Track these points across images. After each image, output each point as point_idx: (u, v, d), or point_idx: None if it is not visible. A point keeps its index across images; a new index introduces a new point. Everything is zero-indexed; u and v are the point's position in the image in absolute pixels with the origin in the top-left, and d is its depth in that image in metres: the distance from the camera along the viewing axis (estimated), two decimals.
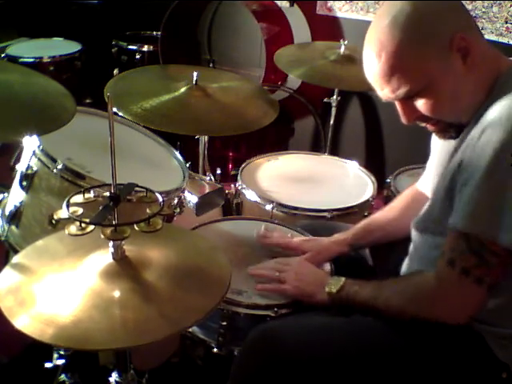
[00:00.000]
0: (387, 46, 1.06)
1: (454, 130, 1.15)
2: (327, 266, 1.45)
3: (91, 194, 0.99)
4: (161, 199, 1.00)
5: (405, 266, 1.32)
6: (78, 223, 0.94)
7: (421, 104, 1.11)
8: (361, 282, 1.26)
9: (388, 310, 1.18)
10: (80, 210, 0.95)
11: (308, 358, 1.15)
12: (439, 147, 1.34)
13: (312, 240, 1.52)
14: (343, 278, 1.28)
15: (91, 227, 0.94)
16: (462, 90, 1.09)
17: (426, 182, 1.45)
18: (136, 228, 0.96)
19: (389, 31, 1.06)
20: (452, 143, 1.18)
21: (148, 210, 0.98)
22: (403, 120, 1.16)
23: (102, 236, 0.95)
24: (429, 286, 1.13)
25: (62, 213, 0.95)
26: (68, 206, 0.95)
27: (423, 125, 1.17)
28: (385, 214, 1.54)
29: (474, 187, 1.02)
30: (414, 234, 1.29)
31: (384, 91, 1.13)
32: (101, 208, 0.95)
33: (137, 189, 1.03)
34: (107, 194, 0.96)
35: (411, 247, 1.31)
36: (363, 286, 1.24)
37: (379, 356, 1.16)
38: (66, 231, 0.95)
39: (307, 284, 1.33)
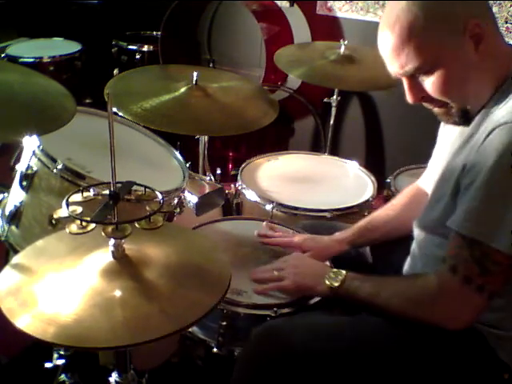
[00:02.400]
0: (403, 20, 1.07)
1: (458, 115, 1.14)
2: (326, 264, 1.45)
3: (90, 193, 0.99)
4: (160, 196, 1.01)
5: (407, 265, 1.32)
6: (78, 222, 0.94)
7: (428, 83, 1.11)
8: (362, 276, 1.25)
9: (388, 309, 1.17)
10: (79, 209, 0.95)
11: (312, 355, 1.15)
12: (443, 145, 1.34)
13: (313, 238, 1.52)
14: (344, 272, 1.26)
15: (92, 226, 0.94)
16: (471, 77, 1.09)
17: (428, 179, 1.45)
18: (137, 225, 0.96)
19: (407, 6, 1.07)
20: (457, 142, 1.18)
21: (148, 208, 0.98)
22: (409, 99, 1.16)
23: (103, 234, 0.95)
24: (430, 290, 1.12)
25: (62, 212, 0.95)
26: (68, 205, 0.95)
27: (428, 106, 1.17)
28: (386, 211, 1.54)
29: (477, 190, 1.02)
30: (417, 232, 1.29)
31: (393, 66, 1.13)
32: (101, 206, 0.95)
33: (135, 187, 1.03)
34: (106, 192, 0.96)
35: (414, 245, 1.31)
36: (364, 282, 1.23)
37: (382, 354, 1.16)
38: (67, 230, 0.95)
39: (306, 276, 1.33)
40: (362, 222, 1.52)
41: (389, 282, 1.23)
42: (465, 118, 1.15)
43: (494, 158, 1.00)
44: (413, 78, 1.12)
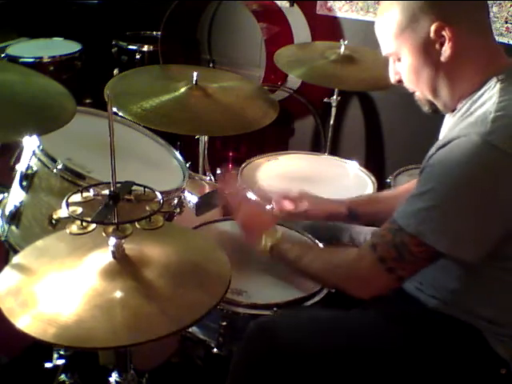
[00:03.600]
0: (388, 9, 1.17)
1: (425, 104, 1.23)
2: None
3: (90, 193, 0.99)
4: (160, 196, 1.01)
5: None
6: (78, 222, 0.94)
7: (398, 68, 1.22)
8: (293, 240, 1.38)
9: (308, 271, 1.28)
10: (79, 209, 0.95)
11: (306, 350, 1.17)
12: None
13: (310, 194, 1.60)
14: (280, 232, 1.34)
15: (92, 226, 0.94)
16: (434, 74, 1.15)
17: None
18: (137, 226, 0.96)
19: None
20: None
21: (147, 208, 0.98)
22: (390, 78, 1.27)
23: (104, 234, 0.95)
24: (349, 259, 1.20)
25: (62, 212, 0.95)
26: (68, 206, 0.95)
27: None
28: (387, 192, 1.65)
29: (423, 191, 1.08)
30: None
31: (380, 44, 1.22)
32: (101, 206, 0.95)
33: (135, 187, 1.03)
34: (106, 192, 0.96)
35: None
36: (294, 245, 1.33)
37: (378, 351, 1.17)
38: (68, 230, 0.95)
39: (250, 224, 1.42)
40: (363, 195, 1.62)
41: (315, 247, 1.36)
42: (432, 109, 1.23)
43: (443, 167, 1.06)
44: (393, 60, 1.23)
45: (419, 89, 1.21)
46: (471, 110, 1.11)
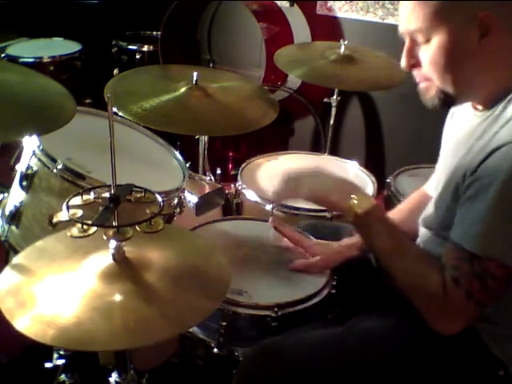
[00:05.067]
0: None
1: (437, 95, 1.13)
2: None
3: (90, 196, 0.99)
4: (160, 199, 1.00)
5: None
6: (79, 225, 0.94)
7: (423, 51, 1.11)
8: (389, 223, 1.20)
9: (395, 276, 1.15)
10: (79, 212, 0.95)
11: (309, 370, 1.15)
12: (445, 145, 1.33)
13: (321, 243, 1.51)
14: (372, 201, 1.20)
15: (93, 229, 0.94)
16: (465, 65, 1.09)
17: (433, 182, 1.45)
18: (138, 229, 0.96)
19: None
20: (462, 143, 1.17)
21: (147, 210, 0.98)
22: (402, 62, 1.15)
23: (105, 237, 0.95)
24: (439, 293, 1.09)
25: (62, 215, 0.95)
26: (68, 209, 0.95)
27: (416, 77, 1.16)
28: (392, 216, 1.50)
29: (486, 207, 1.01)
30: (421, 229, 1.29)
31: (403, 20, 1.12)
32: (101, 209, 0.95)
33: (135, 189, 1.03)
34: (106, 195, 0.96)
35: (418, 241, 1.31)
36: (388, 233, 1.17)
37: (377, 357, 1.16)
38: (68, 234, 0.94)
39: (334, 187, 1.25)
40: None
41: (410, 250, 1.18)
42: (443, 101, 1.14)
43: (504, 176, 0.99)
44: (413, 41, 1.12)
45: (442, 76, 1.10)
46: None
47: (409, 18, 1.10)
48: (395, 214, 1.52)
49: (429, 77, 1.13)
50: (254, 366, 1.18)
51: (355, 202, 1.19)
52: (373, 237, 1.19)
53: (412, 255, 1.17)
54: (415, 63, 1.14)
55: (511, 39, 1.09)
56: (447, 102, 1.14)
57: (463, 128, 1.21)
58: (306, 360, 1.16)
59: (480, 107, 1.16)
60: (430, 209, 1.26)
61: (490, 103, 1.12)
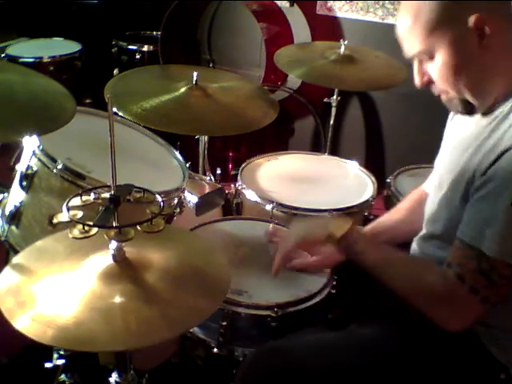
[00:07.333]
0: (416, 3, 1.09)
1: (461, 105, 1.15)
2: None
3: (90, 196, 0.99)
4: (160, 199, 1.00)
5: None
6: (80, 226, 0.94)
7: (430, 68, 1.13)
8: (371, 239, 1.25)
9: (393, 286, 1.16)
10: (80, 213, 0.95)
11: (310, 373, 1.14)
12: (448, 144, 1.32)
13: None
14: (349, 223, 1.25)
15: (94, 229, 0.94)
16: (472, 70, 1.10)
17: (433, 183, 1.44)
18: (138, 228, 0.96)
19: None
20: (467, 143, 1.16)
21: (148, 211, 0.98)
22: (416, 81, 1.17)
23: (106, 237, 0.95)
24: (440, 291, 1.11)
25: (63, 216, 0.95)
26: (68, 209, 0.95)
27: (435, 92, 1.17)
28: (391, 216, 1.53)
29: (502, 209, 1.01)
30: (423, 231, 1.30)
31: (404, 45, 1.15)
32: (102, 210, 0.95)
33: (135, 189, 1.02)
34: (106, 195, 0.96)
35: (413, 243, 1.32)
36: (373, 247, 1.23)
37: (377, 362, 1.16)
38: (70, 235, 0.94)
39: (303, 228, 1.34)
40: (368, 227, 1.51)
41: (397, 256, 1.21)
42: (467, 110, 1.15)
43: None
44: (420, 61, 1.14)
45: (455, 88, 1.12)
46: None
47: (408, 43, 1.13)
48: (394, 213, 1.52)
49: (444, 90, 1.14)
50: (254, 367, 1.19)
51: (332, 228, 1.24)
52: (358, 256, 1.22)
53: (401, 262, 1.20)
54: (428, 80, 1.15)
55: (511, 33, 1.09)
56: (471, 109, 1.15)
57: (469, 128, 1.20)
58: (306, 362, 1.16)
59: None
60: (432, 209, 1.26)
61: (497, 103, 1.12)
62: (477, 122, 1.17)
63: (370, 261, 1.20)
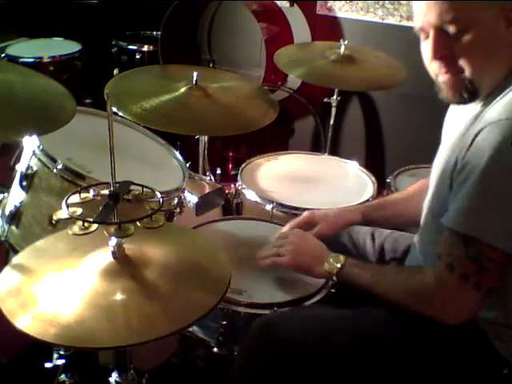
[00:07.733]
0: None
1: (467, 91, 1.13)
2: (325, 247, 1.45)
3: (89, 194, 0.99)
4: (158, 195, 1.01)
5: (408, 260, 1.35)
6: (80, 223, 0.94)
7: (458, 42, 1.09)
8: (361, 264, 1.28)
9: (387, 299, 1.19)
10: (79, 210, 0.95)
11: (310, 349, 1.15)
12: (444, 141, 1.32)
13: (322, 211, 1.53)
14: (342, 258, 1.27)
15: (94, 226, 0.94)
16: (493, 54, 1.10)
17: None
18: (138, 224, 0.96)
19: None
20: (453, 138, 1.17)
21: (147, 207, 0.98)
22: (429, 55, 1.13)
23: (106, 234, 0.95)
24: (428, 286, 1.13)
25: (62, 213, 0.95)
26: (68, 206, 0.95)
27: (440, 70, 1.13)
28: (396, 195, 1.60)
29: (472, 188, 1.03)
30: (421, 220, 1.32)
31: (429, 14, 1.09)
32: (101, 207, 0.95)
33: (133, 187, 1.03)
34: (106, 192, 0.96)
35: (415, 238, 1.34)
36: (363, 270, 1.25)
37: (382, 349, 1.17)
38: (70, 231, 0.95)
39: (305, 256, 1.33)
40: (374, 200, 1.55)
41: (388, 272, 1.26)
42: (462, 99, 1.14)
43: (488, 155, 1.00)
44: (442, 32, 1.10)
45: (479, 66, 1.10)
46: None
47: (440, 9, 1.07)
48: (399, 193, 1.58)
49: (461, 68, 1.11)
50: (256, 340, 1.20)
51: (329, 263, 1.27)
52: (353, 283, 1.25)
53: (388, 273, 1.25)
54: (445, 55, 1.11)
55: None
56: (474, 93, 1.13)
57: (464, 121, 1.20)
58: (306, 337, 1.17)
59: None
60: (428, 201, 1.28)
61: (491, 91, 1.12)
62: (471, 113, 1.18)
63: (364, 284, 1.23)
